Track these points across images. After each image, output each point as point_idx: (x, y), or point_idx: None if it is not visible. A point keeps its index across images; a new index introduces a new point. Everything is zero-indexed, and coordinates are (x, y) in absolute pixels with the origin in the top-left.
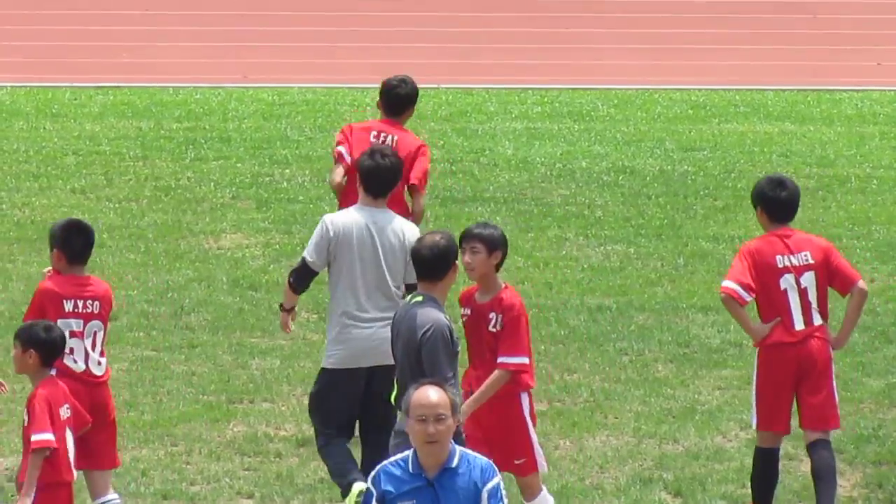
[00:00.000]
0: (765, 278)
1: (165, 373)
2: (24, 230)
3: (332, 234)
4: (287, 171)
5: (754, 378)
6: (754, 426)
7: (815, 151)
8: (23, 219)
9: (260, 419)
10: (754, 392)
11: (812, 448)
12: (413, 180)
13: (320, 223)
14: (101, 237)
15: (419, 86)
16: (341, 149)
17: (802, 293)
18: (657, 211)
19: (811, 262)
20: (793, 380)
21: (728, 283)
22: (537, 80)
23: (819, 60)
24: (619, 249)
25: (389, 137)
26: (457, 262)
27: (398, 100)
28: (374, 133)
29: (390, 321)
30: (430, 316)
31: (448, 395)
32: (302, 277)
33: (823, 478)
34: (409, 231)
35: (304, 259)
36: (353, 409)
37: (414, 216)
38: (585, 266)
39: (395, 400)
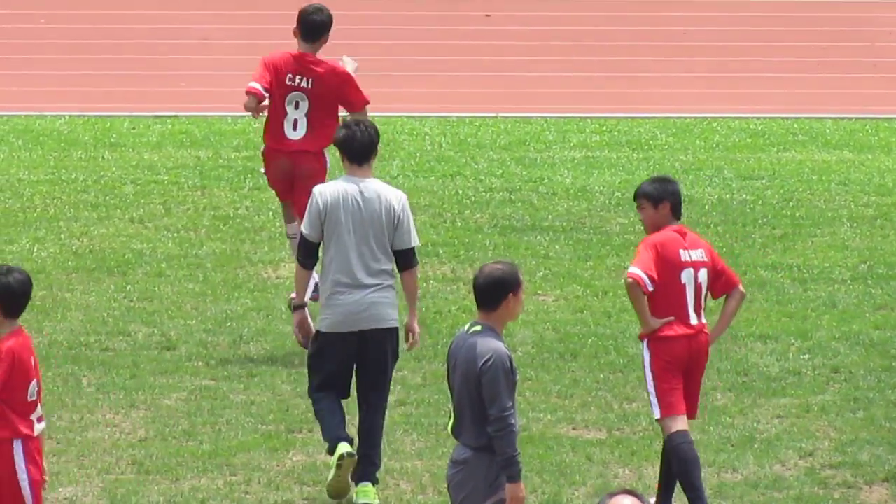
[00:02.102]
0: (667, 271)
1: (224, 402)
2: (83, 260)
3: (321, 205)
4: None
5: (649, 371)
6: (657, 417)
7: (874, 180)
8: (81, 248)
9: (319, 448)
10: (652, 385)
11: (677, 437)
12: (358, 108)
13: (311, 196)
14: (159, 266)
15: (478, 115)
16: (255, 85)
17: (698, 288)
18: (716, 239)
19: (706, 260)
20: (684, 370)
21: (635, 270)
22: (596, 109)
23: (877, 89)
24: None
25: (305, 80)
26: (515, 293)
27: (314, 25)
28: (290, 76)
29: (379, 287)
30: (490, 346)
31: (643, 501)
32: (305, 250)
33: (693, 462)
34: (395, 199)
35: (302, 233)
36: (345, 372)
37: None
38: None
39: (451, 429)
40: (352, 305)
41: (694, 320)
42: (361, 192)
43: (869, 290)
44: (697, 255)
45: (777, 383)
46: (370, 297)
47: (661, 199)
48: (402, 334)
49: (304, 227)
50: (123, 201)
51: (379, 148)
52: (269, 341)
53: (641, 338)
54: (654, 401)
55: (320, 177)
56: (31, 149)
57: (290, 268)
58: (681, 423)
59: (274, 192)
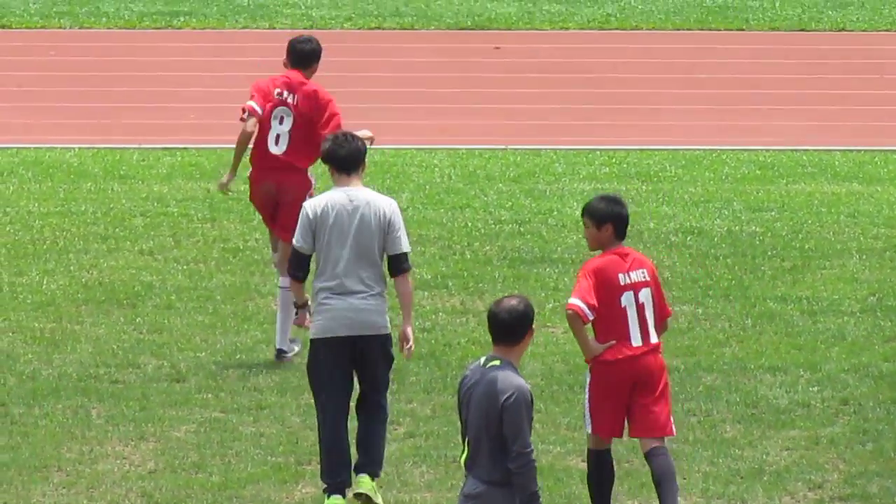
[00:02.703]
0: (607, 296)
1: (234, 434)
2: (93, 292)
3: (311, 217)
4: None
5: (588, 390)
6: (589, 430)
7: (883, 212)
8: (91, 280)
9: None
10: (588, 403)
11: (651, 455)
12: (330, 128)
13: (302, 210)
14: (169, 299)
15: (487, 147)
16: (252, 103)
17: (640, 309)
18: (725, 272)
19: (647, 279)
20: (627, 392)
21: (575, 301)
22: (605, 141)
23: (886, 121)
24: (687, 310)
25: (291, 95)
26: (533, 327)
27: (303, 54)
28: (277, 91)
29: (368, 293)
30: (512, 382)
31: None
32: (296, 262)
33: (667, 479)
34: (385, 205)
35: (293, 245)
36: (340, 379)
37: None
38: None
39: (464, 462)
40: (341, 311)
41: (638, 342)
42: (351, 201)
43: (878, 322)
44: (638, 275)
45: (786, 415)
46: (359, 304)
47: (604, 220)
48: (395, 338)
49: (295, 240)
50: (133, 233)
51: (367, 159)
52: (278, 373)
53: (587, 362)
54: (587, 414)
55: (303, 197)
56: (41, 181)
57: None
58: (604, 444)
59: (261, 217)
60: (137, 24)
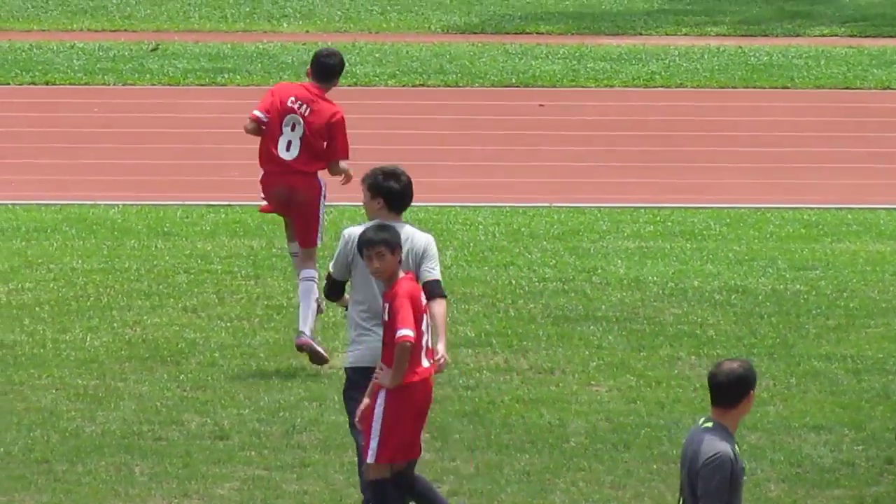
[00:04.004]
0: (416, 320)
1: (277, 492)
2: (136, 349)
3: (348, 246)
4: None
5: (381, 415)
6: (374, 460)
7: None
8: (134, 337)
9: None
10: (379, 429)
11: (407, 474)
12: (340, 155)
13: (341, 236)
14: (212, 356)
15: (531, 205)
16: (257, 113)
17: (426, 331)
18: (769, 330)
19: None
20: (424, 414)
21: (410, 333)
22: (650, 199)
23: None
24: None
25: (305, 106)
26: (752, 392)
27: (326, 68)
28: (292, 99)
29: None
30: (716, 446)
31: None
32: (329, 287)
33: (429, 494)
34: (421, 238)
35: (329, 272)
36: None
37: (340, 175)
38: (698, 385)
39: None
40: (375, 342)
41: (426, 363)
42: None
43: None
44: (423, 298)
45: (831, 474)
46: None
47: (397, 245)
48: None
49: (331, 266)
50: (177, 290)
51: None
52: (321, 431)
53: (382, 387)
54: (375, 445)
55: (316, 201)
56: (85, 238)
57: (343, 357)
58: (388, 473)
59: (276, 213)
60: (181, 80)
